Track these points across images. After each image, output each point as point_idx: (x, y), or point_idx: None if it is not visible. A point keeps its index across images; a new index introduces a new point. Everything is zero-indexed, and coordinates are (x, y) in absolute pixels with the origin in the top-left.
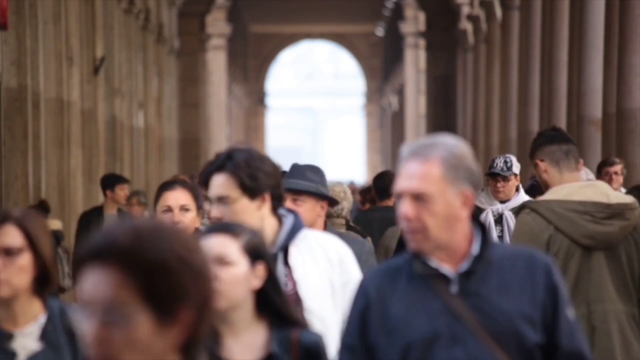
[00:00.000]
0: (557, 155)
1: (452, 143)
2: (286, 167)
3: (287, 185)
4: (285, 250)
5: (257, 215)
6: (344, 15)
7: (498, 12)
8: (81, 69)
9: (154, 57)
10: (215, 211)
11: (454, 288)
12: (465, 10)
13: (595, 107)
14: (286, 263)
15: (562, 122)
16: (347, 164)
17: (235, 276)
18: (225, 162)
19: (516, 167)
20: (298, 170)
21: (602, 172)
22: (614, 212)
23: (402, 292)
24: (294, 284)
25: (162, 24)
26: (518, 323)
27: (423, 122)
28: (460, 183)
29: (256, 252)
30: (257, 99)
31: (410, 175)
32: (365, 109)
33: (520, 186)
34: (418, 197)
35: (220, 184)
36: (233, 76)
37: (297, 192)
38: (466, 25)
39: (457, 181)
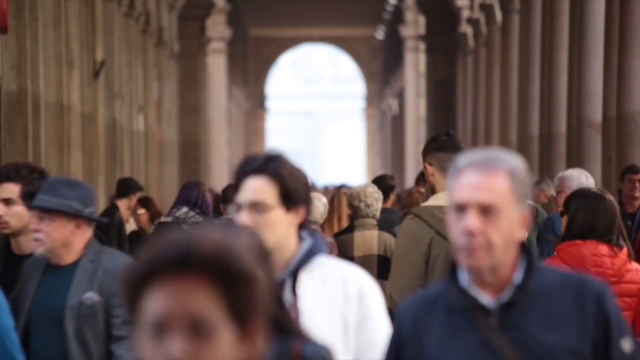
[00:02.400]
0: (446, 163)
1: (514, 158)
2: None
3: (35, 203)
4: (295, 276)
5: (288, 230)
6: (344, 18)
7: (498, 15)
8: (81, 73)
9: (154, 60)
10: (246, 218)
11: (494, 321)
12: (465, 13)
13: (595, 111)
14: (294, 291)
15: (562, 126)
16: (347, 168)
17: None
18: (265, 164)
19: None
20: (50, 185)
21: (625, 179)
22: None
23: (438, 325)
24: (297, 315)
25: (162, 28)
26: (562, 359)
27: (423, 125)
28: (523, 201)
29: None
30: (257, 103)
31: (476, 186)
32: (365, 113)
33: None
34: (486, 210)
35: (256, 188)
36: (233, 79)
37: (46, 210)
38: (466, 29)
39: (520, 199)
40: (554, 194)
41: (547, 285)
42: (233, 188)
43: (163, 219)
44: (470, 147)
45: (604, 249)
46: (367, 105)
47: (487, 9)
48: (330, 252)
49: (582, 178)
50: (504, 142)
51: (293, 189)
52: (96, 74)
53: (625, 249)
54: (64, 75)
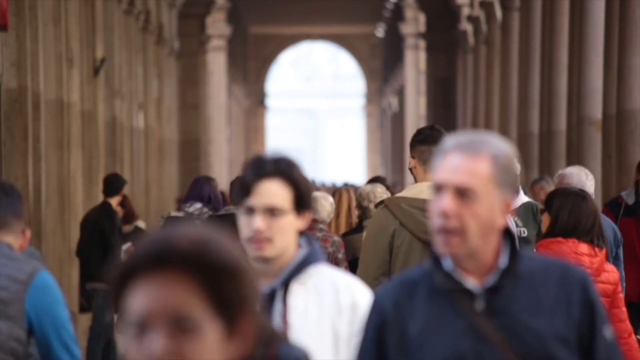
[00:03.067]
0: (425, 155)
1: (501, 143)
2: None
3: None
4: (287, 285)
5: (295, 236)
6: (344, 16)
7: (498, 13)
8: (81, 71)
9: (154, 58)
10: (261, 223)
11: (480, 305)
12: (466, 11)
13: (595, 109)
14: (285, 301)
15: (562, 123)
16: (347, 165)
17: None
18: (279, 167)
19: (517, 169)
20: None
21: None
22: None
23: (421, 309)
24: (287, 327)
25: (162, 26)
26: (551, 344)
27: (423, 123)
28: (505, 188)
29: None
30: (257, 100)
31: (456, 168)
32: (365, 110)
33: (520, 187)
34: (462, 193)
35: (273, 192)
36: (233, 77)
37: None
38: (466, 27)
39: (503, 185)
40: None
41: (531, 271)
42: (241, 189)
43: (173, 213)
44: None
45: (584, 247)
46: (367, 103)
47: (487, 6)
48: (338, 251)
49: (582, 176)
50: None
51: (306, 194)
52: (96, 71)
53: (604, 250)
54: (64, 73)
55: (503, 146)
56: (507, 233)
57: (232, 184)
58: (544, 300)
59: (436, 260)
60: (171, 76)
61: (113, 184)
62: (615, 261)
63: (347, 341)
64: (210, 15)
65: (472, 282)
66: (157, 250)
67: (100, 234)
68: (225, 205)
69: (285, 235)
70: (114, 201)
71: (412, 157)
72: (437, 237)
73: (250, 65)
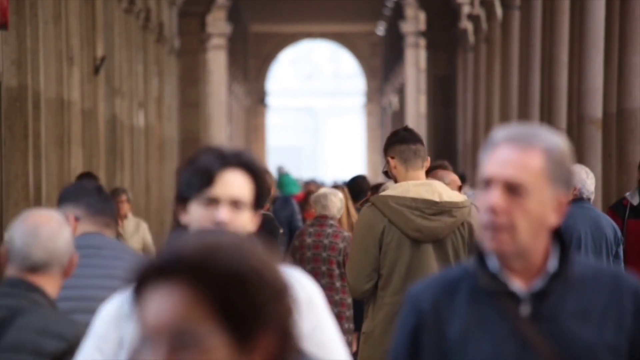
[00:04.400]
0: (406, 154)
1: (556, 137)
2: (287, 166)
3: None
4: None
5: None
6: (344, 14)
7: (498, 11)
8: (81, 69)
9: (155, 56)
10: (227, 215)
11: (525, 309)
12: (466, 9)
13: (595, 107)
14: None
15: (562, 122)
16: (347, 164)
17: None
18: (243, 159)
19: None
20: None
21: None
22: (441, 209)
23: (463, 310)
24: None
25: (162, 24)
26: (600, 355)
27: (423, 121)
28: (559, 185)
29: None
30: (258, 99)
31: (506, 162)
32: (366, 109)
33: None
34: (512, 189)
35: (239, 184)
36: (233, 76)
37: None
38: (466, 25)
39: (556, 181)
40: None
41: (581, 276)
42: (201, 177)
43: None
44: (470, 144)
45: None
46: (368, 102)
47: (487, 5)
48: (349, 246)
49: (582, 174)
50: None
51: (265, 192)
52: (96, 70)
53: None
54: (64, 71)
55: (557, 140)
56: (557, 234)
57: (179, 173)
58: (594, 308)
59: (481, 259)
60: (171, 74)
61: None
62: (615, 260)
63: (309, 336)
64: (210, 14)
65: (518, 285)
66: (162, 260)
67: None
68: None
69: (244, 232)
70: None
71: (392, 157)
72: (485, 233)
73: (251, 63)
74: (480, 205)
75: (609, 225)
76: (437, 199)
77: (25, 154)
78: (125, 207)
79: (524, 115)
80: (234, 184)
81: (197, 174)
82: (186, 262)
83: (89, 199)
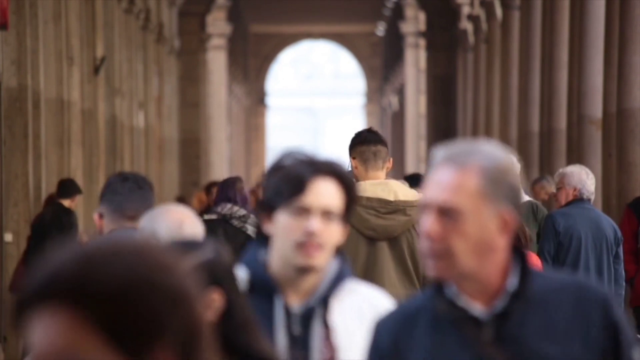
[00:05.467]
0: (366, 155)
1: (495, 152)
2: None
3: None
4: (325, 304)
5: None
6: (344, 15)
7: (498, 11)
8: (81, 69)
9: (154, 56)
10: (318, 226)
11: (488, 333)
12: (466, 10)
13: (595, 107)
14: (325, 322)
15: (562, 122)
16: (347, 164)
17: None
18: (335, 168)
19: (516, 167)
20: None
21: None
22: (395, 208)
23: (423, 341)
24: (333, 351)
25: (162, 24)
26: None
27: (423, 122)
28: (500, 202)
29: (209, 277)
30: (258, 99)
31: (440, 185)
32: (366, 109)
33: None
34: (446, 213)
35: (331, 193)
36: (233, 76)
37: None
38: (466, 25)
39: (496, 199)
40: (555, 191)
41: (544, 292)
42: (292, 184)
43: (206, 216)
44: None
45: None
46: (368, 102)
47: (487, 5)
48: None
49: (582, 174)
50: (505, 139)
51: (354, 203)
52: (96, 70)
53: (534, 255)
54: (64, 71)
55: (495, 155)
56: (517, 252)
57: (265, 179)
58: (559, 324)
59: (439, 285)
60: (171, 74)
61: (68, 187)
62: (615, 260)
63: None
64: (210, 14)
65: (478, 308)
66: (37, 283)
67: (58, 233)
68: (245, 205)
69: (332, 244)
70: (66, 203)
71: (353, 158)
72: (425, 261)
73: (251, 63)
74: (419, 232)
75: (609, 225)
76: (391, 198)
77: (25, 153)
78: None
79: (524, 115)
80: (327, 193)
81: (287, 181)
82: (62, 283)
83: (111, 194)
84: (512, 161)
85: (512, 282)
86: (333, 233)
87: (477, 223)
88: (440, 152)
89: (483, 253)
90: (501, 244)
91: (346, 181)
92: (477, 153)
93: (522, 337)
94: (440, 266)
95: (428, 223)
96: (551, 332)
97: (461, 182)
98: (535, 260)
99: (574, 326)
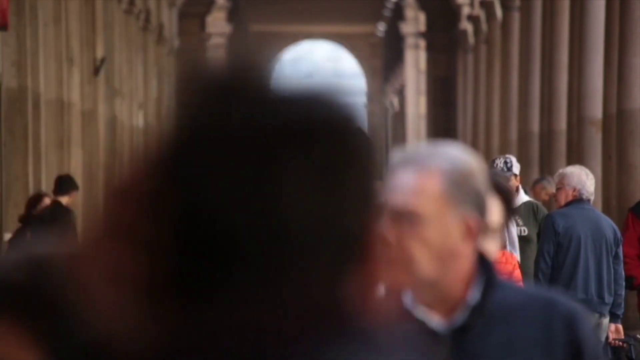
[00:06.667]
0: None
1: (457, 154)
2: None
3: None
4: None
5: None
6: (345, 15)
7: (498, 12)
8: (81, 70)
9: (154, 57)
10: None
11: (446, 348)
12: (466, 10)
13: (595, 108)
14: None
15: (562, 123)
16: None
17: None
18: (494, 182)
19: (516, 168)
20: None
21: None
22: None
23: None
24: None
25: (162, 25)
26: None
27: (423, 122)
28: (464, 207)
29: None
30: None
31: (399, 188)
32: (366, 109)
33: (520, 187)
34: (405, 217)
35: (493, 209)
36: None
37: None
38: (466, 26)
39: (459, 204)
40: (555, 191)
41: (508, 306)
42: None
43: None
44: (470, 145)
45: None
46: (368, 102)
47: (487, 6)
48: None
49: (582, 175)
50: (505, 140)
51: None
52: (96, 71)
53: (514, 256)
54: (64, 72)
55: (459, 158)
56: (483, 261)
57: None
58: (521, 340)
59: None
60: (171, 75)
61: (65, 183)
62: (615, 260)
63: None
64: (210, 14)
65: (436, 321)
66: None
67: (58, 232)
68: None
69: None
70: (64, 200)
71: None
72: (380, 268)
73: None
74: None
75: (609, 226)
76: None
77: (25, 154)
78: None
79: (523, 116)
80: (491, 209)
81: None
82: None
83: None
84: (476, 165)
85: (474, 294)
86: (493, 246)
87: (439, 229)
88: (398, 155)
89: (444, 260)
90: (465, 251)
91: (506, 194)
92: (439, 156)
93: (482, 353)
94: (395, 275)
95: (384, 228)
96: (512, 348)
97: (422, 186)
98: (513, 263)
99: (537, 342)
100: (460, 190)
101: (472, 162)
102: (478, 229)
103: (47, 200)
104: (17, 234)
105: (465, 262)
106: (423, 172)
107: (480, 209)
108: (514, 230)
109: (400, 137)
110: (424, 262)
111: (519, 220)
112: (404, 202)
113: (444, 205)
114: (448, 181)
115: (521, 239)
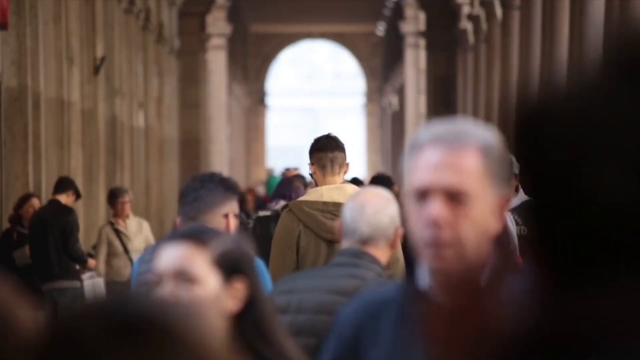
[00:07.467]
0: (323, 161)
1: (487, 130)
2: (288, 165)
3: None
4: None
5: None
6: (344, 15)
7: (498, 11)
8: (81, 69)
9: (154, 57)
10: None
11: None
12: (466, 9)
13: None
14: None
15: None
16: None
17: (201, 297)
18: None
19: (515, 167)
20: None
21: None
22: None
23: (387, 336)
24: None
25: (162, 24)
26: None
27: (423, 122)
28: (501, 185)
29: (232, 266)
30: (258, 99)
31: (440, 167)
32: (366, 109)
33: (520, 186)
34: (454, 197)
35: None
36: (233, 76)
37: None
38: (466, 25)
39: (497, 181)
40: None
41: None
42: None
43: (261, 213)
44: None
45: None
46: (368, 102)
47: (487, 5)
48: None
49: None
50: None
51: None
52: (96, 70)
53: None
54: (64, 71)
55: (490, 135)
56: (497, 243)
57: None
58: None
59: (411, 276)
60: (171, 75)
61: (63, 184)
62: None
63: None
64: (210, 14)
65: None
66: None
67: (60, 232)
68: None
69: None
70: (62, 198)
71: (312, 163)
72: (426, 251)
73: (251, 63)
74: (417, 221)
75: None
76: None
77: (25, 154)
78: (128, 207)
79: None
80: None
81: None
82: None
83: (183, 200)
84: (503, 142)
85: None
86: None
87: (483, 208)
88: (427, 132)
89: (483, 242)
90: (494, 232)
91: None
92: (472, 132)
93: None
94: (446, 256)
95: (435, 209)
96: None
97: (464, 163)
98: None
99: None
100: (497, 166)
101: (500, 139)
102: (507, 206)
103: (35, 201)
104: (5, 234)
105: (489, 244)
106: (463, 149)
107: (509, 185)
108: (514, 230)
109: (399, 136)
110: (472, 244)
111: (518, 219)
112: (453, 181)
113: (486, 183)
114: (487, 158)
115: (521, 238)
